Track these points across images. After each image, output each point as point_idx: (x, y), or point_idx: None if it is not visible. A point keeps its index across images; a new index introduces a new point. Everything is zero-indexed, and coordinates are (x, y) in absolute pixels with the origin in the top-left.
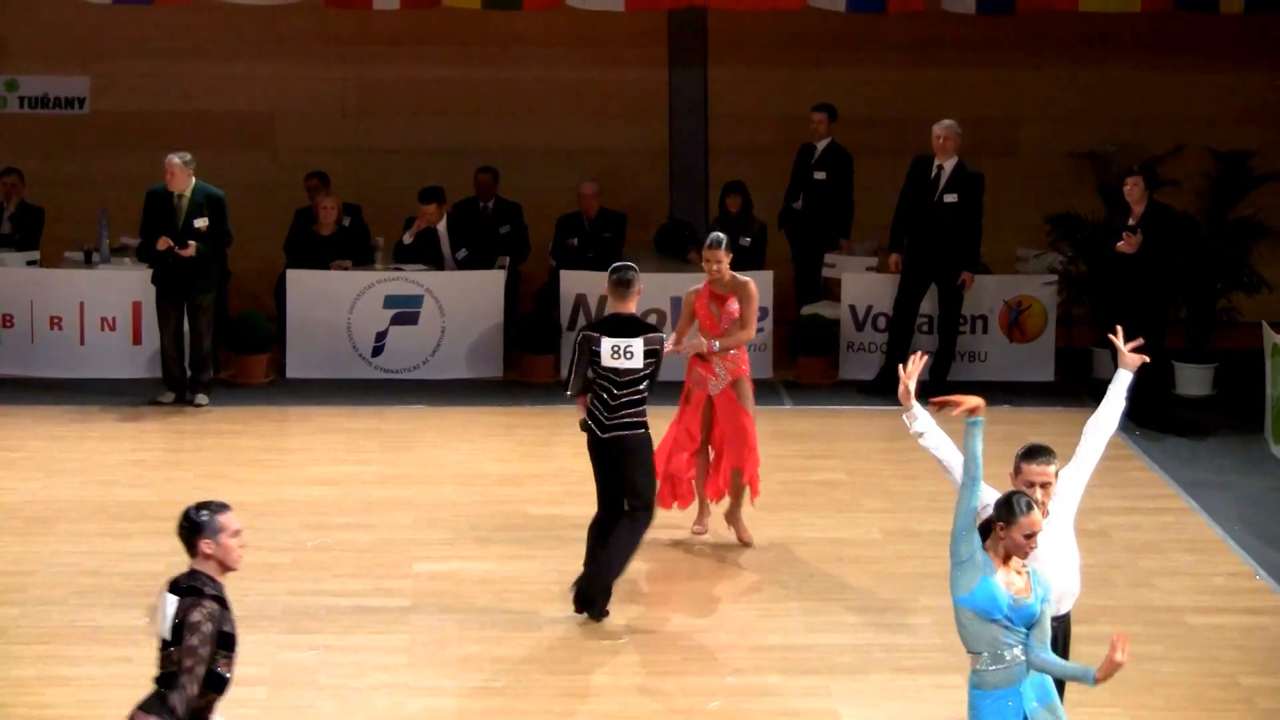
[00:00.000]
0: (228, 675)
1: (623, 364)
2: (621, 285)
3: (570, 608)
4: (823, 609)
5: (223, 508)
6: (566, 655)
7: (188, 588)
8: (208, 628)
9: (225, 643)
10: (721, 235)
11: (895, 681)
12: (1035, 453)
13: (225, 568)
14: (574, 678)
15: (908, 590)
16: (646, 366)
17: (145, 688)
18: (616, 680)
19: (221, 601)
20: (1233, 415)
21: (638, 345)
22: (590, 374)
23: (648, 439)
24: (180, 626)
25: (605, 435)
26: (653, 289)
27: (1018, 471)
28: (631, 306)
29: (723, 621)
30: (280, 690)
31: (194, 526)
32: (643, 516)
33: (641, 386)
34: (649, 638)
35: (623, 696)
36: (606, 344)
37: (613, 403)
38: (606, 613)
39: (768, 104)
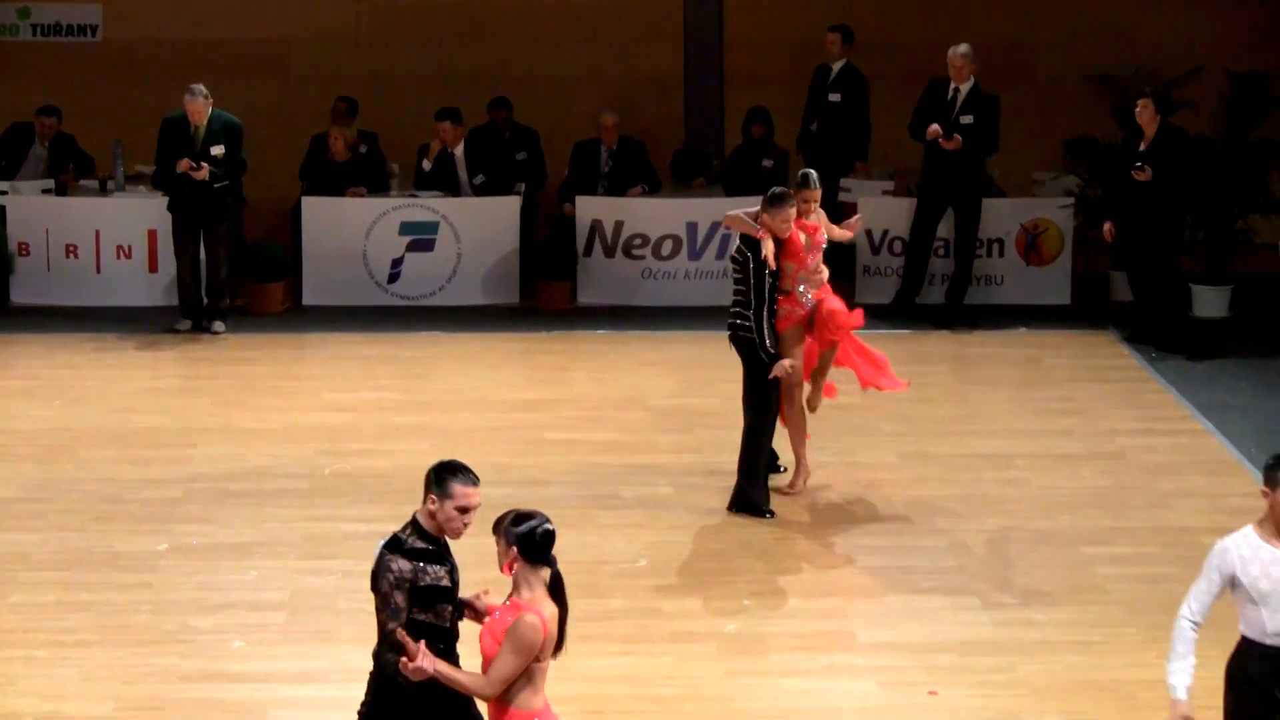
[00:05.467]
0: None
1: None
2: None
3: (587, 533)
4: (839, 532)
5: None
6: (585, 580)
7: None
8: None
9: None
10: (813, 172)
11: (910, 603)
12: None
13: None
14: (592, 601)
15: (923, 513)
16: (733, 270)
17: (165, 613)
18: (635, 604)
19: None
20: (1250, 337)
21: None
22: None
23: (744, 344)
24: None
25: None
26: (668, 214)
27: (1275, 484)
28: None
29: (739, 545)
30: (299, 615)
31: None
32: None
33: (736, 289)
34: (667, 562)
35: (641, 620)
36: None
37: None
38: (766, 513)
39: (783, 29)
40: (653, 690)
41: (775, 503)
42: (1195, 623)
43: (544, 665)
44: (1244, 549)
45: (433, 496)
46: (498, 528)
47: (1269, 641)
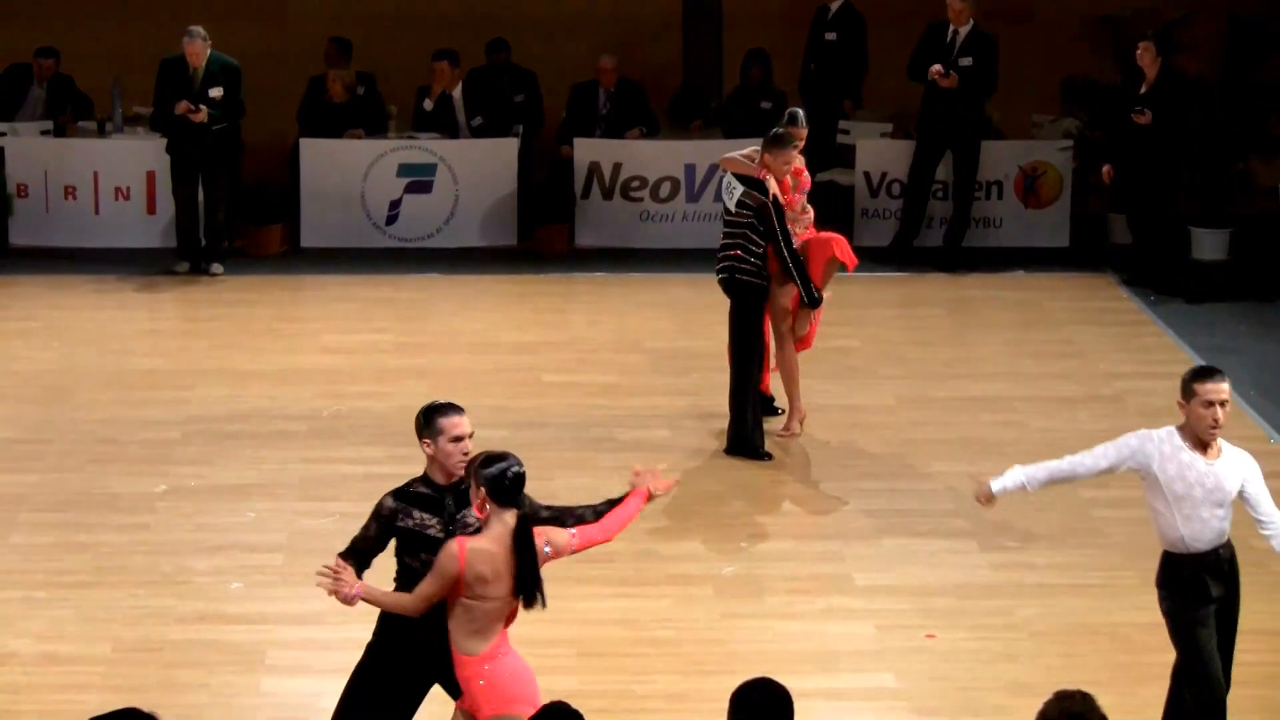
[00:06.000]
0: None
1: (725, 201)
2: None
3: (584, 475)
4: (837, 475)
5: (452, 409)
6: None
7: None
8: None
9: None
10: (800, 111)
11: (908, 546)
12: (1209, 373)
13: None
14: None
15: (921, 456)
16: (739, 214)
17: (163, 554)
18: (632, 546)
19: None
20: (1248, 281)
21: (738, 188)
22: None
23: (741, 287)
24: None
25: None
26: (666, 156)
27: (1191, 395)
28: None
29: (736, 488)
30: (297, 557)
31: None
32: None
33: (737, 233)
34: (665, 504)
35: (638, 562)
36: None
37: (720, 241)
38: (763, 456)
39: None
40: (649, 633)
41: (771, 445)
42: (1076, 474)
43: (488, 608)
44: (1165, 446)
45: (425, 440)
46: (469, 469)
47: (1190, 549)
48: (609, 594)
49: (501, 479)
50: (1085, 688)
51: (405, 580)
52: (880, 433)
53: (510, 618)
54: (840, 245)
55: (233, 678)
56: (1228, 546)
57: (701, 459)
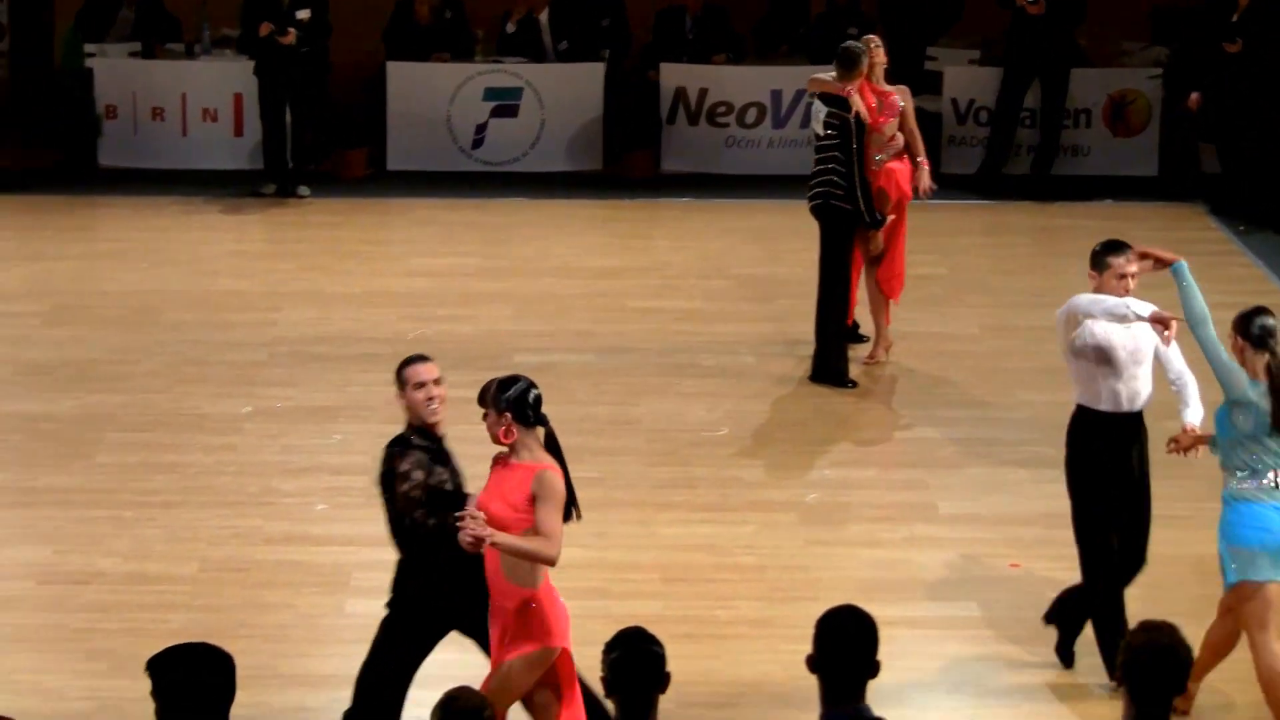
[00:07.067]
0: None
1: (814, 126)
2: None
3: (668, 401)
4: (921, 403)
5: (417, 359)
6: (665, 447)
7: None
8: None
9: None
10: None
11: (993, 475)
12: (1119, 247)
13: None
14: (672, 470)
15: (1006, 385)
16: (827, 137)
17: (249, 475)
18: (716, 472)
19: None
20: None
21: (823, 110)
22: None
23: (835, 213)
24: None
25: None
26: (752, 82)
27: (1105, 267)
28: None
29: (819, 415)
30: None
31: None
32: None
33: (828, 156)
34: (748, 431)
35: (722, 488)
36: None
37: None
38: (847, 383)
39: None
40: (733, 559)
41: (856, 373)
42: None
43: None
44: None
45: (398, 395)
46: (484, 399)
47: (1116, 408)
48: (693, 520)
49: (525, 399)
50: (1168, 619)
51: (408, 546)
52: (965, 361)
53: None
54: (891, 177)
55: (318, 598)
56: (1141, 420)
57: (787, 386)
